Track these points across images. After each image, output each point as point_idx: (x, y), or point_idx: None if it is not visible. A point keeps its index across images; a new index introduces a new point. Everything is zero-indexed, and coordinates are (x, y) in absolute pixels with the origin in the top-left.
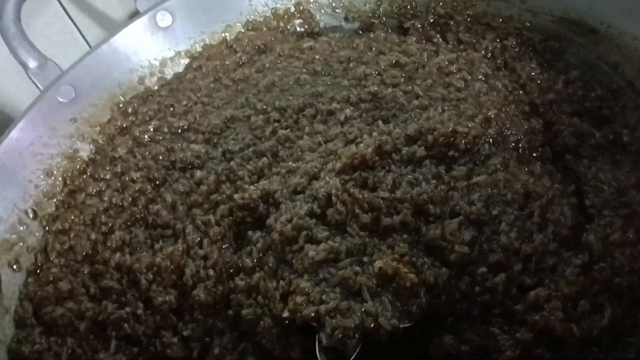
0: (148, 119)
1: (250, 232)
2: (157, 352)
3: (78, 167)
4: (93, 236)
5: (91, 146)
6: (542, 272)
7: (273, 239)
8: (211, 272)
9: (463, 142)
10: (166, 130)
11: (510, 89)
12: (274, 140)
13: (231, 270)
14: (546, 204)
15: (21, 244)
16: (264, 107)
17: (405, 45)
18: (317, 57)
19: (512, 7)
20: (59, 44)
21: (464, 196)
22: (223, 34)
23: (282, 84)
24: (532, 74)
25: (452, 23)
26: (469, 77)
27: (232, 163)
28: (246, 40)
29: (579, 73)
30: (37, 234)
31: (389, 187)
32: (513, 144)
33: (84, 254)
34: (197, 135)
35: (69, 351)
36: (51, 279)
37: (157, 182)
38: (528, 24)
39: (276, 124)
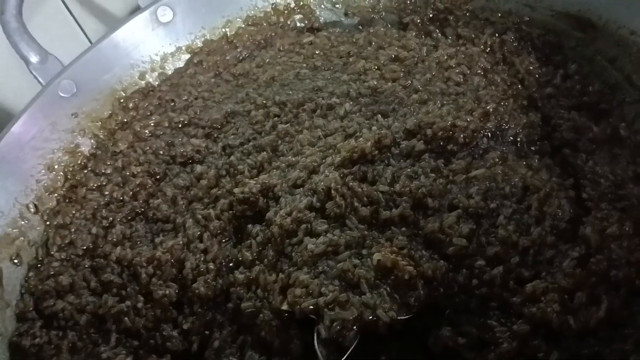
0: (149, 113)
1: (250, 226)
2: (157, 345)
3: (79, 161)
4: (94, 230)
5: (92, 141)
6: (539, 264)
7: (273, 233)
8: (211, 265)
9: (462, 136)
10: (167, 125)
11: (508, 83)
12: (274, 134)
13: (231, 264)
14: (544, 197)
15: (22, 238)
16: (264, 101)
17: (404, 40)
18: (317, 52)
19: (511, 2)
20: (59, 38)
21: (463, 189)
22: (223, 29)
23: (282, 78)
24: (531, 68)
25: (451, 18)
26: (468, 72)
27: (232, 157)
28: (246, 36)
29: (577, 67)
30: (38, 228)
31: (388, 180)
32: (511, 138)
33: (84, 248)
34: (197, 130)
35: (70, 344)
36: (52, 273)
37: (158, 177)
38: (527, 19)
39: (276, 118)
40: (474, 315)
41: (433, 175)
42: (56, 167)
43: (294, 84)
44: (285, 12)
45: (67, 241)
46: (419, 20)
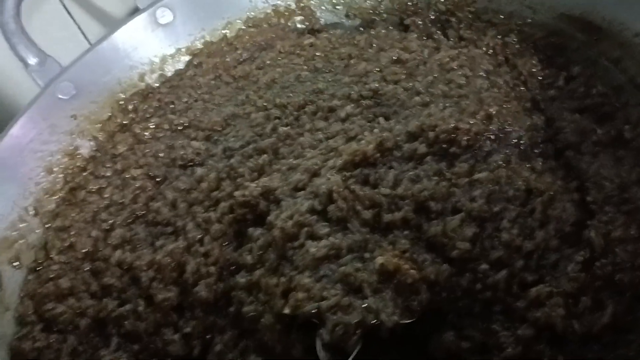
0: (148, 116)
1: (250, 229)
2: (158, 350)
3: (78, 164)
4: (94, 233)
5: (91, 143)
6: (543, 268)
7: (274, 236)
8: (212, 269)
9: (464, 138)
10: (167, 127)
11: (511, 86)
12: (274, 137)
13: (232, 268)
14: (548, 200)
15: (22, 241)
16: (265, 104)
17: (406, 41)
18: (317, 54)
19: (513, 4)
20: (58, 40)
21: (466, 193)
22: (223, 31)
23: (283, 80)
24: (534, 70)
25: (453, 20)
26: (470, 74)
27: (232, 160)
28: (247, 37)
29: (581, 69)
30: (37, 231)
31: (390, 183)
32: (515, 141)
33: (84, 251)
34: (197, 133)
35: (70, 348)
36: (52, 276)
37: (158, 180)
38: (529, 21)
39: (277, 121)
40: (478, 320)
41: (436, 178)
42: (55, 169)
43: (295, 86)
44: (286, 13)
45: (66, 244)
46: (420, 22)
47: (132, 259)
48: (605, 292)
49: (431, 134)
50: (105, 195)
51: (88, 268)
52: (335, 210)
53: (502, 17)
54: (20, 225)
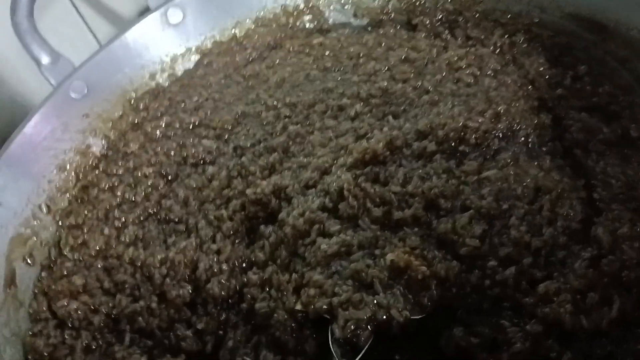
0: (159, 114)
1: (262, 227)
2: (172, 345)
3: (90, 162)
4: (106, 231)
5: (103, 142)
6: (551, 265)
7: (285, 233)
8: (224, 266)
9: (473, 137)
10: (177, 126)
11: (519, 85)
12: (284, 135)
13: (244, 264)
14: (556, 198)
15: (35, 238)
16: (275, 103)
17: (414, 41)
18: (326, 53)
19: (521, 4)
20: (68, 40)
21: (475, 190)
22: (233, 31)
23: (293, 80)
24: (541, 69)
25: (460, 19)
26: (478, 73)
27: (243, 158)
28: (256, 37)
29: (587, 69)
30: (50, 228)
31: (400, 181)
32: (523, 139)
33: (97, 248)
34: (208, 131)
35: (84, 344)
36: (65, 273)
37: (170, 178)
38: (537, 20)
39: (287, 119)
40: (487, 316)
41: (445, 176)
42: (68, 167)
43: (304, 85)
44: (295, 13)
45: (79, 241)
46: (428, 22)
47: (145, 256)
48: (612, 288)
49: (440, 132)
50: (118, 193)
51: (101, 265)
52: (346, 208)
53: (509, 16)
54: (34, 223)
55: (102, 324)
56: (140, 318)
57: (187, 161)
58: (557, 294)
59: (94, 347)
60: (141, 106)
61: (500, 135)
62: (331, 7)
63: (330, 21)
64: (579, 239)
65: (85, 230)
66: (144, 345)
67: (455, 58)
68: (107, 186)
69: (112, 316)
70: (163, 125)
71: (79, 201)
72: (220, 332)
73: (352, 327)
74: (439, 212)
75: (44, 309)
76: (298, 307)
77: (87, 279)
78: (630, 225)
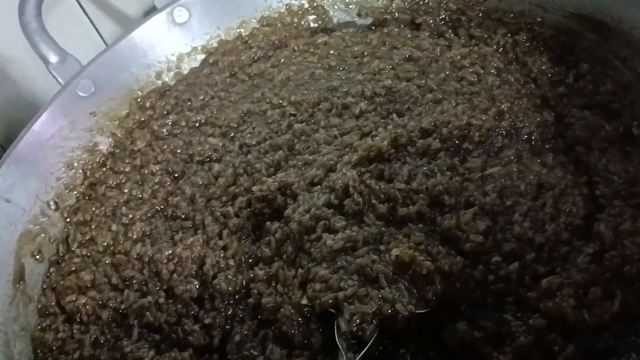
0: (166, 113)
1: (268, 223)
2: (179, 340)
3: (98, 159)
4: (114, 227)
5: (110, 140)
6: (554, 260)
7: (291, 229)
8: (231, 262)
9: (477, 134)
10: (184, 124)
11: (522, 83)
12: (290, 133)
13: (250, 260)
14: (558, 194)
15: (43, 234)
16: (280, 101)
17: (418, 40)
18: (331, 52)
19: (523, 3)
20: (74, 39)
21: (479, 187)
22: (238, 30)
23: (297, 78)
24: (543, 68)
25: (463, 18)
26: (482, 71)
27: (249, 156)
28: (261, 36)
29: (589, 67)
30: (58, 225)
31: (405, 178)
32: (526, 136)
33: (105, 244)
34: (214, 129)
35: (92, 339)
36: (73, 269)
37: (176, 175)
38: (539, 19)
39: (292, 117)
40: (490, 310)
41: (449, 173)
42: (76, 165)
43: (309, 83)
44: (299, 12)
45: (87, 238)
46: (431, 21)
47: (152, 252)
48: (614, 283)
49: (444, 130)
50: (125, 190)
51: (109, 261)
52: (351, 204)
53: (512, 15)
54: (42, 219)
55: (110, 319)
56: (148, 313)
57: (194, 159)
58: (560, 288)
59: (102, 341)
60: (148, 104)
61: (504, 132)
62: (335, 7)
63: (335, 20)
64: (581, 235)
65: (93, 227)
66: (152, 340)
67: (459, 57)
68: (114, 183)
69: (120, 311)
70: (169, 124)
71: (87, 198)
72: (227, 326)
73: (357, 321)
74: (443, 208)
75: (53, 304)
76: (304, 301)
77: (95, 274)
78: (632, 221)
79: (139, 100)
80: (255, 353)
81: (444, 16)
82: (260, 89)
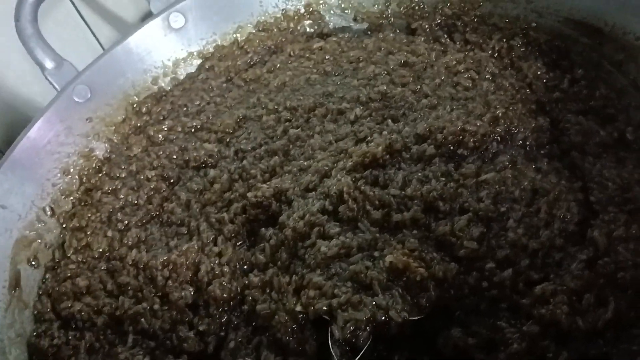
0: (162, 118)
1: (263, 229)
2: (174, 346)
3: (94, 165)
4: (109, 233)
5: (106, 145)
6: (548, 267)
7: (286, 235)
8: (226, 268)
9: (472, 140)
10: (180, 129)
11: (517, 88)
12: (285, 139)
13: (245, 267)
14: (553, 200)
15: (39, 240)
16: (275, 106)
17: (413, 45)
18: (327, 57)
19: (519, 8)
20: (71, 44)
21: (473, 193)
22: (234, 35)
23: (293, 84)
24: (538, 73)
25: (459, 24)
26: (477, 77)
27: (244, 162)
28: (257, 41)
29: (584, 72)
30: (54, 231)
31: (400, 184)
32: (520, 142)
33: (100, 250)
34: (210, 135)
35: (87, 345)
36: (69, 275)
37: (172, 181)
38: (534, 25)
39: (287, 123)
40: (484, 317)
41: (444, 179)
42: (71, 170)
43: (305, 89)
44: (295, 17)
45: (83, 244)
46: (427, 26)
47: (147, 259)
48: (608, 289)
49: (439, 136)
50: (121, 196)
51: (104, 267)
52: (345, 210)
53: (507, 21)
54: (38, 225)
55: (105, 325)
56: (143, 319)
57: (189, 164)
58: (554, 295)
59: (97, 347)
60: (144, 110)
61: (499, 138)
62: (331, 12)
63: (331, 25)
64: (575, 241)
65: (88, 233)
66: (147, 346)
67: (454, 62)
68: (110, 189)
69: (115, 317)
70: (165, 129)
71: (83, 204)
72: (222, 333)
73: (351, 327)
74: (438, 214)
75: (48, 310)
76: (298, 308)
77: (91, 280)
78: (626, 228)
79: (135, 105)
80: (250, 359)
81: (439, 21)
82: (256, 94)
